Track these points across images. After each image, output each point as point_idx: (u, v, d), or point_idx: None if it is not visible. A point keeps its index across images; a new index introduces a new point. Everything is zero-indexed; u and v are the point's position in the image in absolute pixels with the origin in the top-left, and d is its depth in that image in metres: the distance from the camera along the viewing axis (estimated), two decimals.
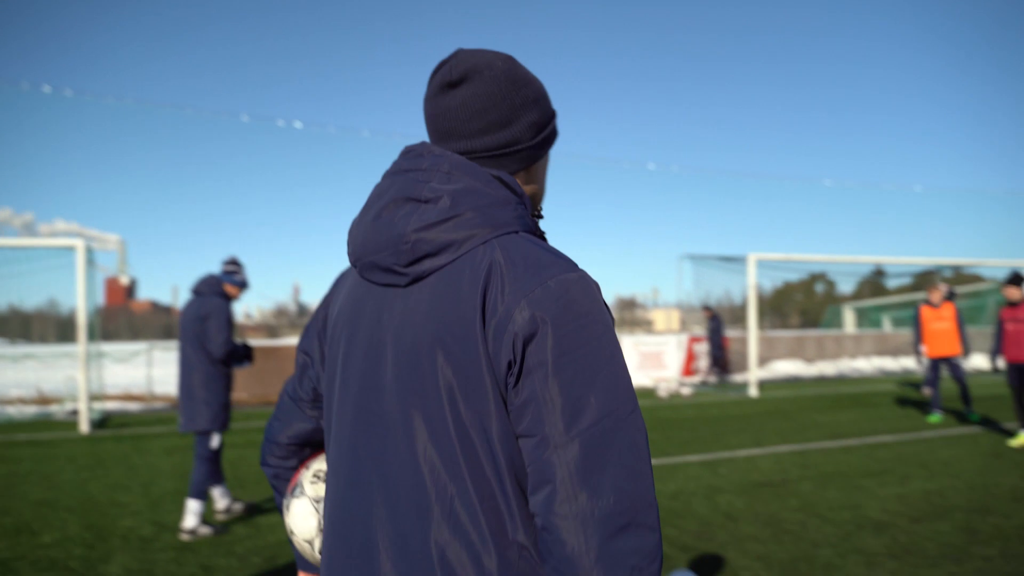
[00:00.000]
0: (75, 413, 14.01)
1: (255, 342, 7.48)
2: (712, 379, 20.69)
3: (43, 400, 16.23)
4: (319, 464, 1.53)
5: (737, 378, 22.22)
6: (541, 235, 1.33)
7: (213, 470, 6.07)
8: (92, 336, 13.33)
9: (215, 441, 6.07)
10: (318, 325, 1.45)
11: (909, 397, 15.75)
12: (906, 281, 42.72)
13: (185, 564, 5.10)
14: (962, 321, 11.98)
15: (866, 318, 40.45)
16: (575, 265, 1.18)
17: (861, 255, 19.22)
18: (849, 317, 39.50)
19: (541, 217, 1.40)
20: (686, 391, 17.34)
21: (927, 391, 15.85)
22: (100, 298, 14.77)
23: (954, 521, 5.94)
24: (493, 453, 1.14)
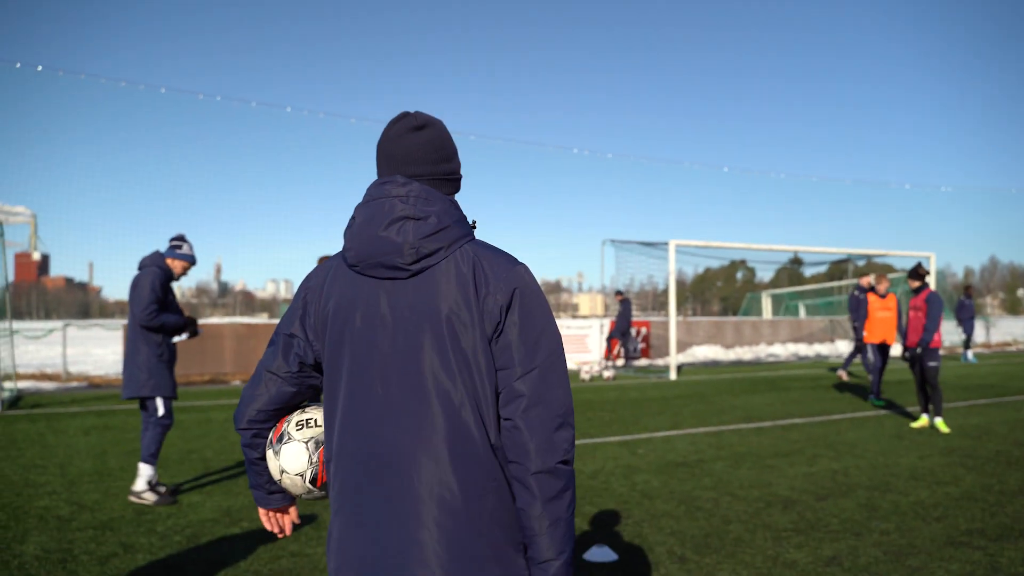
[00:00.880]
0: None
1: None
2: (618, 363, 21.05)
3: None
4: (298, 417, 1.95)
5: (658, 362, 22.73)
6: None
7: (158, 436, 6.14)
8: (2, 313, 12.89)
9: (159, 408, 6.13)
10: (299, 312, 1.92)
11: (849, 382, 16.37)
12: (821, 270, 44.22)
13: (104, 543, 5.06)
14: (901, 312, 12.47)
15: (783, 305, 41.67)
16: (517, 259, 1.83)
17: (780, 244, 19.84)
18: (767, 304, 40.67)
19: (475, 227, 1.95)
20: (608, 374, 17.68)
21: (844, 375, 16.54)
22: (10, 274, 14.27)
23: (856, 498, 6.28)
24: (482, 378, 1.73)
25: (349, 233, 1.84)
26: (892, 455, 8.12)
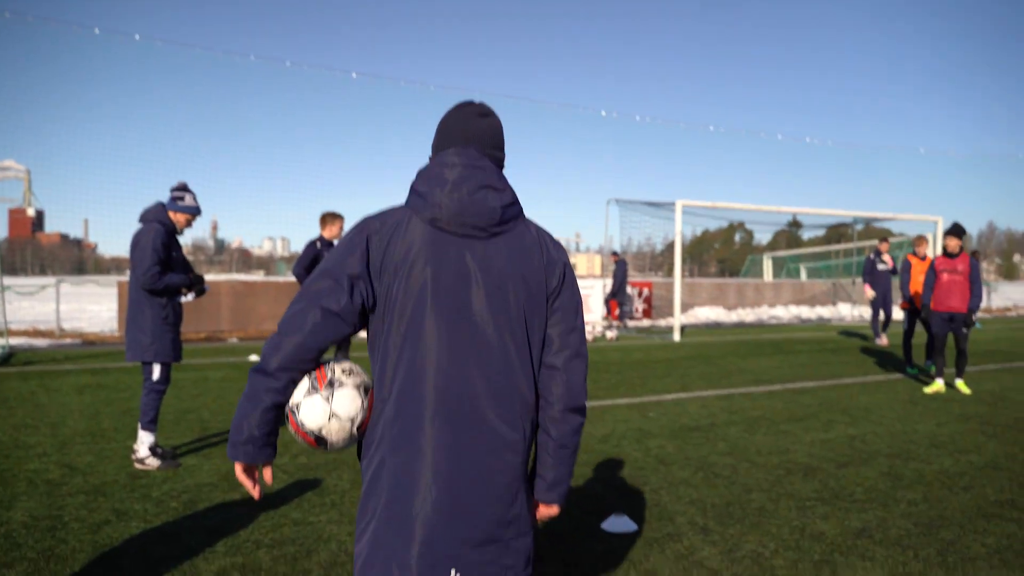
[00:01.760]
0: None
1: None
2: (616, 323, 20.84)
3: None
4: (340, 365, 2.01)
5: (660, 323, 22.52)
6: None
7: (154, 401, 5.86)
8: None
9: (155, 372, 5.84)
10: (363, 255, 1.97)
11: (870, 347, 16.17)
12: (819, 233, 43.87)
13: (97, 509, 4.81)
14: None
15: (784, 268, 41.44)
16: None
17: (781, 206, 19.46)
18: (768, 266, 40.41)
19: None
20: (611, 334, 17.45)
21: (884, 340, 16.23)
22: (3, 230, 13.92)
23: (878, 466, 6.06)
24: (537, 331, 2.06)
25: (429, 193, 2.00)
26: (909, 421, 7.89)
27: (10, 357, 12.92)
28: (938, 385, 9.75)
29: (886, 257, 15.75)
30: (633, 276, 22.35)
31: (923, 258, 12.11)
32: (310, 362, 1.95)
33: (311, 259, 8.52)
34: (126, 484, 5.37)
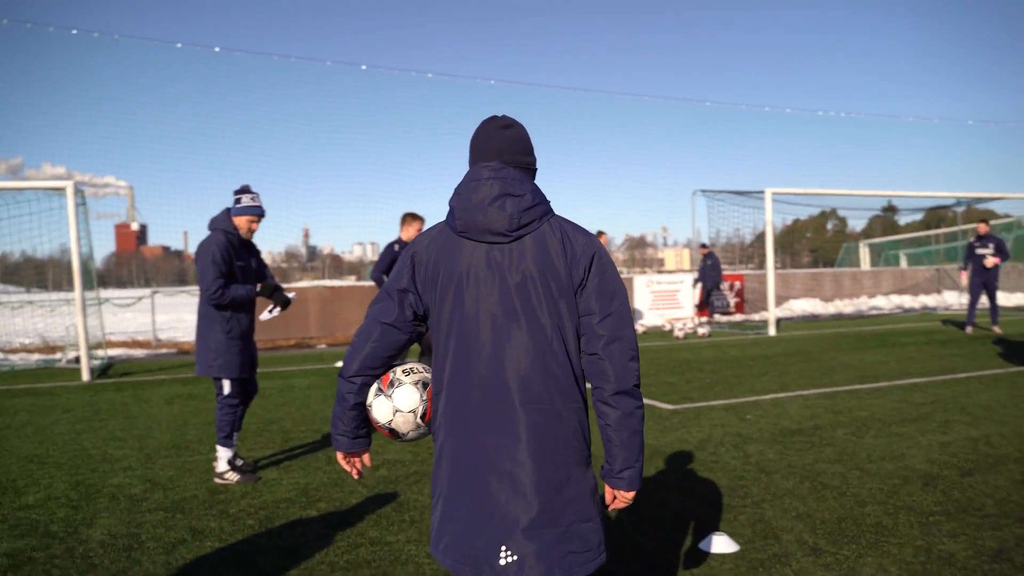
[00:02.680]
0: (77, 360, 13.66)
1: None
2: (706, 319, 20.19)
3: (47, 348, 15.91)
4: (402, 367, 2.38)
5: (754, 317, 21.74)
6: None
7: (228, 416, 5.69)
8: (89, 282, 12.89)
9: (225, 387, 5.67)
10: (408, 271, 2.30)
11: (973, 335, 15.24)
12: (917, 217, 41.78)
13: (174, 527, 4.69)
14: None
15: (881, 255, 39.72)
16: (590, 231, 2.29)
17: (871, 190, 18.45)
18: (865, 254, 38.77)
19: None
20: (703, 331, 16.87)
21: (997, 329, 15.31)
22: (111, 245, 14.28)
23: (1008, 474, 5.48)
24: (568, 320, 2.22)
25: (459, 207, 2.26)
26: None
27: (108, 368, 13.25)
28: None
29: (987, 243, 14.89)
30: (723, 269, 21.55)
31: None
32: (379, 367, 2.33)
33: (389, 261, 8.35)
34: (205, 500, 5.25)
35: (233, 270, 5.63)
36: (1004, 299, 23.56)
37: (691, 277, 20.99)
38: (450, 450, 2.26)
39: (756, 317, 21.77)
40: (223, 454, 5.65)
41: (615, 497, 2.32)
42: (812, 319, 21.03)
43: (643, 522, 4.63)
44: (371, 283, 20.21)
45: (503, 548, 2.15)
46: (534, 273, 2.20)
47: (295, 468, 6.08)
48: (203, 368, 5.63)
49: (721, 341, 15.57)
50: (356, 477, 2.45)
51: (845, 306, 24.03)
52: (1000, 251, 15.05)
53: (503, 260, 2.22)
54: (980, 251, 15.29)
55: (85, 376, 11.75)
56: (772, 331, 16.83)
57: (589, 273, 2.23)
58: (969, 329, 15.44)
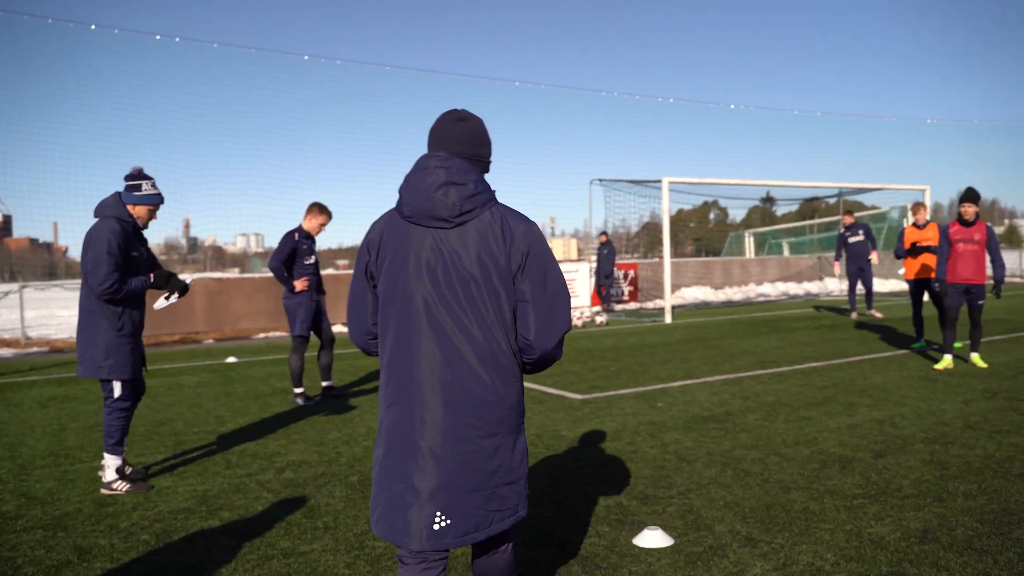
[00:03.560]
0: None
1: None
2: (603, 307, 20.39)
3: None
4: None
5: (648, 305, 22.05)
6: None
7: (119, 420, 5.19)
8: None
9: (115, 389, 5.16)
10: (365, 254, 2.53)
11: (858, 320, 15.77)
12: (793, 208, 43.36)
13: (56, 548, 4.20)
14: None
15: (765, 245, 41.09)
16: (530, 218, 2.48)
17: (757, 180, 18.94)
18: (750, 243, 40.04)
19: None
20: (600, 319, 16.94)
21: (876, 313, 15.91)
22: None
23: (918, 454, 5.57)
24: (505, 303, 2.41)
25: (406, 193, 2.44)
26: (933, 401, 7.43)
27: None
28: (947, 361, 9.27)
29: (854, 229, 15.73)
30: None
31: (922, 226, 11.52)
32: (375, 327, 2.58)
33: (289, 251, 7.91)
34: (91, 514, 4.76)
35: (129, 261, 5.13)
36: (879, 285, 24.68)
37: (587, 266, 21.10)
38: (388, 424, 2.45)
39: (650, 305, 22.09)
40: (111, 462, 5.16)
41: None
42: (704, 306, 21.47)
43: (572, 518, 4.45)
44: (258, 275, 19.45)
45: (437, 514, 2.35)
46: (473, 258, 2.37)
47: (191, 474, 5.63)
48: (89, 369, 5.10)
49: (619, 329, 15.66)
50: None
51: (734, 293, 24.69)
52: (868, 237, 15.75)
53: (445, 244, 2.39)
54: (852, 240, 15.93)
55: None
56: (668, 319, 17.05)
57: (526, 260, 2.40)
58: (853, 315, 16.05)
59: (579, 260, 24.16)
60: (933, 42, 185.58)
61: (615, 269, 21.15)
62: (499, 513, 2.43)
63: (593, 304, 20.67)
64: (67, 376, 10.84)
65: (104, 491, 5.15)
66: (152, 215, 5.33)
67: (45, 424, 7.50)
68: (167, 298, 5.49)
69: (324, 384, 8.51)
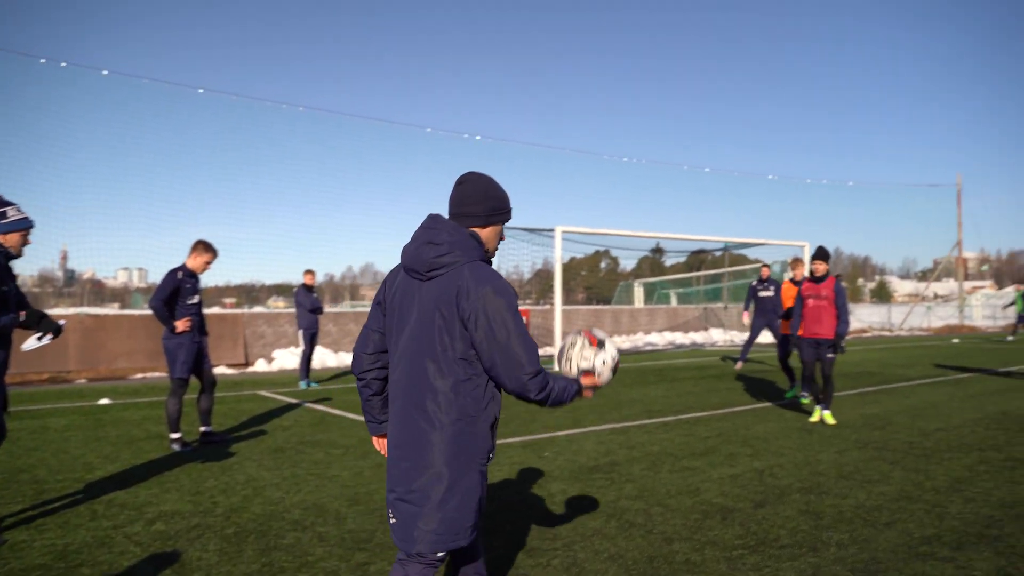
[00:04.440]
0: None
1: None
2: None
3: None
4: (598, 334, 3.30)
5: (540, 353, 22.19)
6: (489, 262, 2.94)
7: None
8: None
9: None
10: (381, 291, 3.04)
11: (743, 372, 16.19)
12: (681, 259, 44.69)
13: None
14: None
15: (654, 294, 42.16)
16: (497, 278, 2.80)
17: (647, 231, 19.55)
18: (639, 293, 41.02)
19: (492, 254, 3.01)
20: None
21: (739, 366, 16.35)
22: None
23: (794, 504, 5.73)
24: (459, 348, 2.76)
25: (405, 247, 2.92)
26: (809, 451, 7.69)
27: None
28: (819, 413, 9.63)
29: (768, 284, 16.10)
30: None
31: (799, 282, 12.04)
32: (378, 363, 3.04)
33: (171, 290, 7.60)
34: None
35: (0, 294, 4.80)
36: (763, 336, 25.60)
37: None
38: (389, 438, 2.94)
39: (541, 352, 22.24)
40: None
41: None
42: None
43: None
44: (139, 311, 18.63)
45: (390, 511, 2.88)
46: (437, 308, 2.77)
47: (51, 526, 5.25)
48: None
49: None
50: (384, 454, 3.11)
51: (623, 342, 25.14)
52: (777, 294, 16.26)
53: (419, 294, 2.84)
54: (763, 294, 16.42)
55: None
56: (556, 367, 17.15)
57: (477, 316, 2.72)
58: (739, 365, 16.52)
59: None
60: (813, 104, 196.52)
61: None
62: (429, 535, 2.79)
63: None
64: None
65: None
66: (25, 240, 5.04)
67: None
68: (39, 339, 5.17)
69: (202, 429, 8.16)
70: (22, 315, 5.02)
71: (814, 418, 9.56)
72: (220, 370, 16.15)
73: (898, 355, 20.44)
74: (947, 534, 5.00)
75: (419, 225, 2.92)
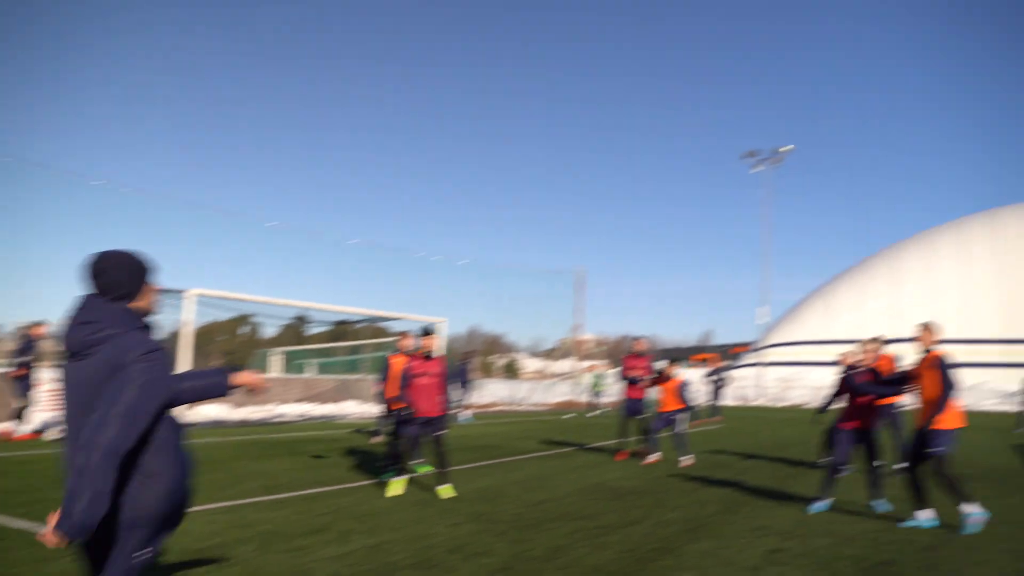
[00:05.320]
0: None
1: None
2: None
3: None
4: None
5: None
6: (146, 326, 3.39)
7: None
8: None
9: None
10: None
11: (366, 447, 16.01)
12: (325, 329, 44.58)
13: None
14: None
15: (292, 364, 41.28)
16: (144, 346, 3.21)
17: (289, 299, 19.24)
18: (276, 361, 39.92)
19: (148, 317, 3.45)
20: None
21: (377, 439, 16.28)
22: None
23: None
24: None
25: (62, 331, 3.27)
26: (426, 524, 7.82)
27: None
28: (398, 485, 9.79)
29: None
30: None
31: (408, 355, 12.38)
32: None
33: None
34: None
35: None
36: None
37: None
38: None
39: None
40: None
41: None
42: (218, 425, 20.58)
43: None
44: None
45: None
46: (91, 380, 3.15)
47: None
48: None
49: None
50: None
51: (252, 413, 24.10)
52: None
53: (78, 370, 3.20)
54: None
55: None
56: None
57: (111, 380, 3.11)
58: (378, 438, 16.47)
59: None
60: (425, 196, 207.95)
61: None
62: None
63: None
64: None
65: None
66: None
67: None
68: None
69: None
70: None
71: (391, 491, 9.71)
72: None
73: (519, 429, 21.90)
74: None
75: (73, 306, 3.32)
